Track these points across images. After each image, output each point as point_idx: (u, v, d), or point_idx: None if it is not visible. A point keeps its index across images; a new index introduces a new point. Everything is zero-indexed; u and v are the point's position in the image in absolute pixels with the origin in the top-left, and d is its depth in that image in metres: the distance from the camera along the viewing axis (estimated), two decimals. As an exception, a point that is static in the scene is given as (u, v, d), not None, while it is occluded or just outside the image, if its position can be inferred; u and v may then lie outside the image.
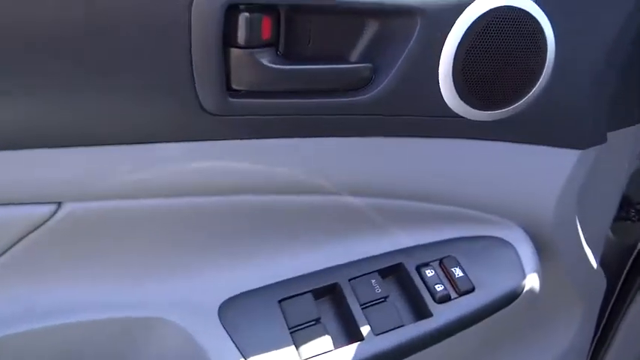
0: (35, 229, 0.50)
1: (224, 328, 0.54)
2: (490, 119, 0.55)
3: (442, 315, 0.57)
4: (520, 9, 0.50)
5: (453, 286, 0.59)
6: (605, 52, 0.55)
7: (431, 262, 0.61)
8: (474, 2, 0.49)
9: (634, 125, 0.67)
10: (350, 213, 0.59)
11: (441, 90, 0.52)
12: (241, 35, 0.46)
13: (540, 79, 0.53)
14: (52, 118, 0.46)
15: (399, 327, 0.56)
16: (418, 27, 0.49)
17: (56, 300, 0.53)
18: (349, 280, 0.59)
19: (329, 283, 0.59)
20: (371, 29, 0.50)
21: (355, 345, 0.55)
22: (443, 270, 0.60)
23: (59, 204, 0.49)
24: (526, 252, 0.62)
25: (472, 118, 0.54)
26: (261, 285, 0.58)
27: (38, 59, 0.43)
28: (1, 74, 0.43)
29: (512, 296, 0.59)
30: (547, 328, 0.73)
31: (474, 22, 0.49)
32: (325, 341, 0.54)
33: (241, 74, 0.47)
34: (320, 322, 0.56)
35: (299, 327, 0.55)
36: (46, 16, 0.42)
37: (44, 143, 0.46)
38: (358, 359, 0.54)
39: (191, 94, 0.47)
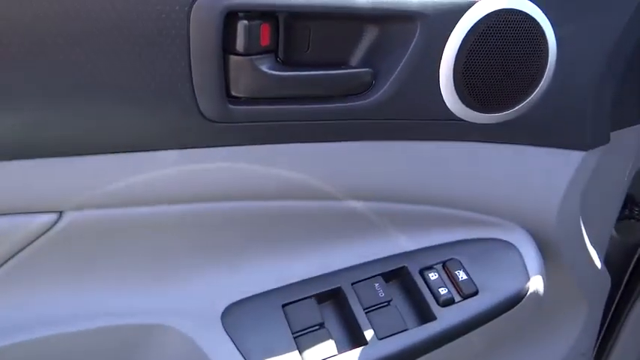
0: (37, 238, 0.50)
1: (227, 333, 0.54)
2: (492, 122, 0.55)
3: (446, 318, 0.57)
4: (521, 11, 0.50)
5: (456, 289, 0.59)
6: (606, 54, 0.55)
7: (434, 265, 0.60)
8: (475, 5, 0.49)
9: (637, 124, 0.66)
10: (352, 217, 0.58)
11: (442, 93, 0.52)
12: (240, 42, 0.45)
13: (542, 82, 0.53)
14: (52, 128, 0.46)
15: (402, 331, 0.56)
16: (418, 31, 0.49)
17: (58, 309, 0.53)
18: (352, 284, 0.59)
19: (332, 287, 0.58)
20: (370, 34, 0.50)
21: (359, 349, 0.54)
22: (446, 273, 0.60)
23: (60, 213, 0.49)
24: (530, 254, 0.61)
25: (474, 121, 0.54)
26: (264, 290, 0.58)
27: (37, 67, 0.43)
28: (0, 83, 0.43)
29: (516, 299, 0.59)
30: (551, 329, 0.73)
31: (474, 26, 0.49)
32: (329, 346, 0.54)
33: (241, 81, 0.47)
34: (324, 327, 0.56)
35: (303, 332, 0.55)
36: (44, 24, 0.41)
37: (44, 153, 0.46)
38: None
39: (191, 102, 0.46)
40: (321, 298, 0.58)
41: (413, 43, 0.49)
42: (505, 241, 0.62)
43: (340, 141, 0.53)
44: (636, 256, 0.84)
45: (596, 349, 0.86)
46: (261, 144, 0.51)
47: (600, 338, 0.86)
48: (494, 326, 0.59)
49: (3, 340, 0.51)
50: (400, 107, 0.52)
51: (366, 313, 0.56)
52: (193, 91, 0.46)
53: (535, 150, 0.58)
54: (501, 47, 0.50)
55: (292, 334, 0.55)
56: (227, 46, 0.46)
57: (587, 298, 0.72)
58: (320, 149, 0.53)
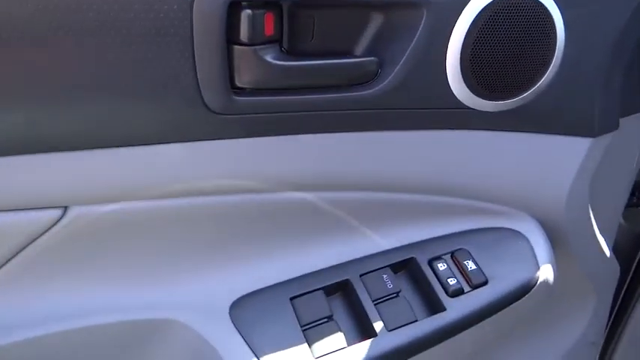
0: (42, 234, 0.49)
1: (235, 327, 0.54)
2: (499, 109, 0.54)
3: (455, 309, 0.56)
4: None
5: (465, 279, 0.58)
6: (615, 38, 0.54)
7: (443, 255, 0.60)
8: None
9: None
10: (360, 208, 0.58)
11: (449, 81, 0.51)
12: (244, 32, 0.45)
13: (550, 68, 0.52)
14: (55, 122, 0.45)
15: (412, 322, 0.56)
16: (424, 18, 0.48)
17: (65, 304, 0.53)
18: (361, 276, 0.58)
19: (340, 279, 0.58)
20: (376, 22, 0.49)
21: (368, 342, 0.54)
22: (455, 263, 0.59)
23: (65, 208, 0.49)
24: (539, 243, 0.61)
25: (481, 109, 0.54)
26: (272, 283, 0.58)
27: (40, 61, 0.42)
28: (3, 78, 0.42)
29: (526, 288, 0.59)
30: (561, 318, 0.73)
31: (481, 11, 0.48)
32: (338, 338, 0.54)
33: (245, 72, 0.46)
34: (332, 319, 0.55)
35: (311, 324, 0.55)
36: (47, 18, 0.41)
37: (48, 148, 0.46)
38: (372, 356, 0.54)
39: (195, 94, 0.46)
40: (329, 290, 0.58)
41: (419, 31, 0.48)
42: (514, 230, 0.62)
43: (346, 131, 0.52)
44: (644, 244, 0.83)
45: (604, 337, 0.86)
46: (266, 135, 0.50)
47: (609, 326, 0.86)
48: (503, 316, 0.59)
49: (11, 337, 0.51)
50: (406, 96, 0.51)
51: (374, 304, 0.56)
52: (197, 83, 0.45)
53: (543, 137, 0.58)
54: (509, 33, 0.49)
55: (301, 326, 0.54)
56: (231, 37, 0.45)
57: (596, 286, 0.72)
58: (326, 140, 0.52)
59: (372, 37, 0.50)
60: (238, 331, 0.54)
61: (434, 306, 0.57)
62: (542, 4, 0.49)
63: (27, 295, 0.52)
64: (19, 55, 0.42)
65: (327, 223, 0.58)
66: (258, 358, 0.52)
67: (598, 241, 0.68)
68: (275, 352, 0.53)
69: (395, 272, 0.59)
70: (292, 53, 0.48)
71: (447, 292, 0.57)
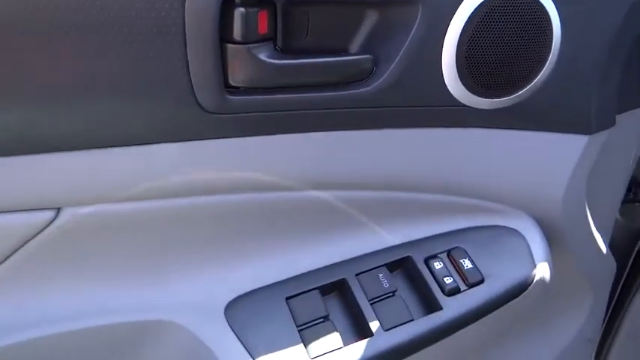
0: (35, 235, 0.49)
1: (231, 328, 0.54)
2: (495, 107, 0.54)
3: (452, 308, 0.56)
4: None
5: (462, 277, 0.58)
6: (612, 35, 0.54)
7: (439, 254, 0.60)
8: None
9: None
10: (354, 207, 0.58)
11: (445, 79, 0.51)
12: (237, 30, 0.44)
13: (546, 65, 0.52)
14: (48, 123, 0.45)
15: (408, 321, 0.55)
16: (419, 15, 0.48)
17: (58, 307, 0.52)
18: (357, 275, 0.58)
19: (336, 278, 0.58)
20: (371, 19, 0.49)
21: (365, 341, 0.54)
22: (451, 262, 0.59)
23: (58, 209, 0.49)
24: (535, 240, 0.61)
25: (477, 107, 0.53)
26: (268, 283, 0.57)
27: (31, 62, 0.42)
28: None
29: (522, 286, 0.58)
30: (557, 315, 0.73)
31: (477, 8, 0.48)
32: (334, 338, 0.54)
33: (239, 70, 0.46)
34: (328, 319, 0.55)
35: (307, 325, 0.55)
36: (39, 18, 0.40)
37: (41, 148, 0.46)
38: (368, 355, 0.53)
39: (188, 94, 0.45)
40: (325, 290, 0.57)
41: (414, 28, 0.48)
42: (510, 228, 0.61)
43: (341, 130, 0.52)
44: (641, 240, 0.83)
45: (601, 333, 0.86)
46: (261, 135, 0.50)
47: (605, 322, 0.86)
48: (500, 314, 0.59)
49: (3, 340, 0.50)
50: (402, 94, 0.51)
51: (371, 304, 0.56)
52: (191, 83, 0.45)
53: (539, 135, 0.57)
54: (505, 30, 0.49)
55: (297, 327, 0.54)
56: (224, 35, 0.44)
57: (592, 283, 0.72)
58: (321, 138, 0.52)
59: (367, 34, 0.49)
60: (234, 331, 0.54)
61: (430, 305, 0.57)
62: (538, 1, 0.49)
63: (20, 297, 0.51)
64: (10, 54, 0.41)
65: (323, 222, 0.58)
66: (254, 358, 0.52)
67: (595, 239, 0.68)
68: (271, 352, 0.52)
69: (391, 271, 0.59)
70: (287, 51, 0.48)
71: (443, 291, 0.57)
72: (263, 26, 0.45)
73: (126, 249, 0.53)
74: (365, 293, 0.56)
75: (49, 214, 0.48)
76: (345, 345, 0.54)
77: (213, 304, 0.55)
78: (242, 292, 0.57)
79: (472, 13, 0.48)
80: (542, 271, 0.59)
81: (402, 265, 0.60)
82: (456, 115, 0.54)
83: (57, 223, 0.49)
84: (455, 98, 0.52)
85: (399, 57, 0.49)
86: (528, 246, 0.60)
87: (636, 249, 0.84)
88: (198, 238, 0.55)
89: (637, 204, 0.83)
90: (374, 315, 0.55)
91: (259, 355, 0.52)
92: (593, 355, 0.85)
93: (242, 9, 0.44)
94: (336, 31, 0.49)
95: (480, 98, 0.52)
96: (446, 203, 0.60)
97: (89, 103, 0.44)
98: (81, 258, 0.52)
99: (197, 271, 0.56)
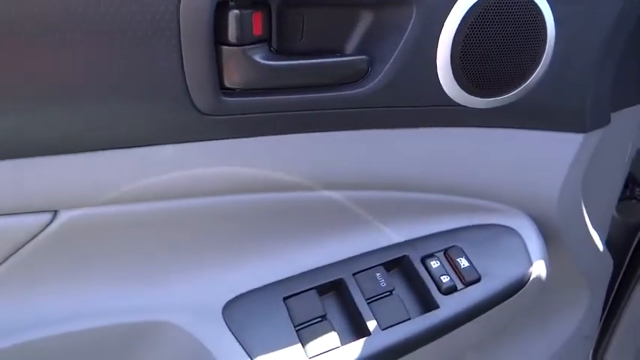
0: (32, 238, 0.49)
1: (229, 328, 0.54)
2: (490, 106, 0.54)
3: (449, 306, 0.56)
4: None
5: (458, 276, 0.58)
6: (605, 34, 0.54)
7: (436, 252, 0.60)
8: None
9: (637, 104, 0.65)
10: (352, 207, 0.58)
11: (440, 79, 0.51)
12: (232, 32, 0.44)
13: (541, 64, 0.52)
14: (44, 126, 0.45)
15: (405, 320, 0.56)
16: (414, 15, 0.48)
17: (56, 309, 0.52)
18: (354, 275, 0.58)
19: (333, 278, 0.58)
20: (365, 20, 0.49)
21: (362, 340, 0.54)
22: (448, 260, 0.59)
23: (55, 212, 0.49)
24: (532, 239, 0.61)
25: (472, 106, 0.53)
26: (265, 283, 0.58)
27: (27, 64, 0.42)
28: None
29: (519, 284, 0.59)
30: (555, 313, 0.73)
31: (471, 8, 0.48)
32: (332, 338, 0.54)
33: (234, 72, 0.46)
34: (326, 319, 0.55)
35: (305, 324, 0.55)
36: (35, 21, 0.40)
37: (36, 151, 0.46)
38: (366, 355, 0.54)
39: (184, 96, 0.45)
40: (322, 289, 0.57)
41: (409, 28, 0.48)
42: (506, 227, 0.62)
43: (337, 130, 0.52)
44: (638, 237, 0.83)
45: (598, 330, 0.86)
46: (256, 136, 0.50)
47: (603, 319, 0.86)
48: (497, 312, 0.59)
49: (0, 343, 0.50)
50: (397, 94, 0.51)
51: (368, 303, 0.56)
52: (186, 85, 0.45)
53: (535, 134, 0.58)
54: (500, 29, 0.49)
55: (294, 326, 0.54)
56: (219, 37, 0.44)
57: (589, 281, 0.72)
58: (316, 139, 0.52)
59: (361, 35, 0.49)
60: (232, 332, 0.54)
61: (427, 304, 0.57)
62: (532, 1, 0.49)
63: (16, 300, 0.51)
64: (5, 57, 0.41)
65: (319, 222, 0.58)
66: (251, 358, 0.52)
67: (591, 236, 0.68)
68: (269, 352, 0.53)
69: (388, 270, 0.59)
70: (281, 53, 0.48)
71: (440, 290, 0.57)
72: (258, 28, 0.45)
73: (123, 250, 0.53)
74: (362, 292, 0.57)
75: (46, 217, 0.49)
76: (342, 344, 0.54)
77: (210, 305, 0.55)
78: (239, 292, 0.57)
79: (466, 13, 0.48)
80: (539, 269, 0.60)
81: (399, 264, 0.60)
82: (451, 115, 0.54)
83: (54, 225, 0.49)
84: (450, 98, 0.52)
85: (393, 57, 0.49)
86: (525, 244, 0.60)
87: (633, 245, 0.84)
88: (194, 239, 0.55)
89: (634, 201, 0.83)
90: (371, 314, 0.55)
91: (257, 355, 0.52)
92: (591, 352, 0.85)
93: (236, 11, 0.44)
94: (330, 33, 0.49)
95: (475, 98, 0.53)
96: (442, 202, 0.60)
97: (85, 105, 0.44)
98: (78, 260, 0.52)
99: (194, 272, 0.56)
